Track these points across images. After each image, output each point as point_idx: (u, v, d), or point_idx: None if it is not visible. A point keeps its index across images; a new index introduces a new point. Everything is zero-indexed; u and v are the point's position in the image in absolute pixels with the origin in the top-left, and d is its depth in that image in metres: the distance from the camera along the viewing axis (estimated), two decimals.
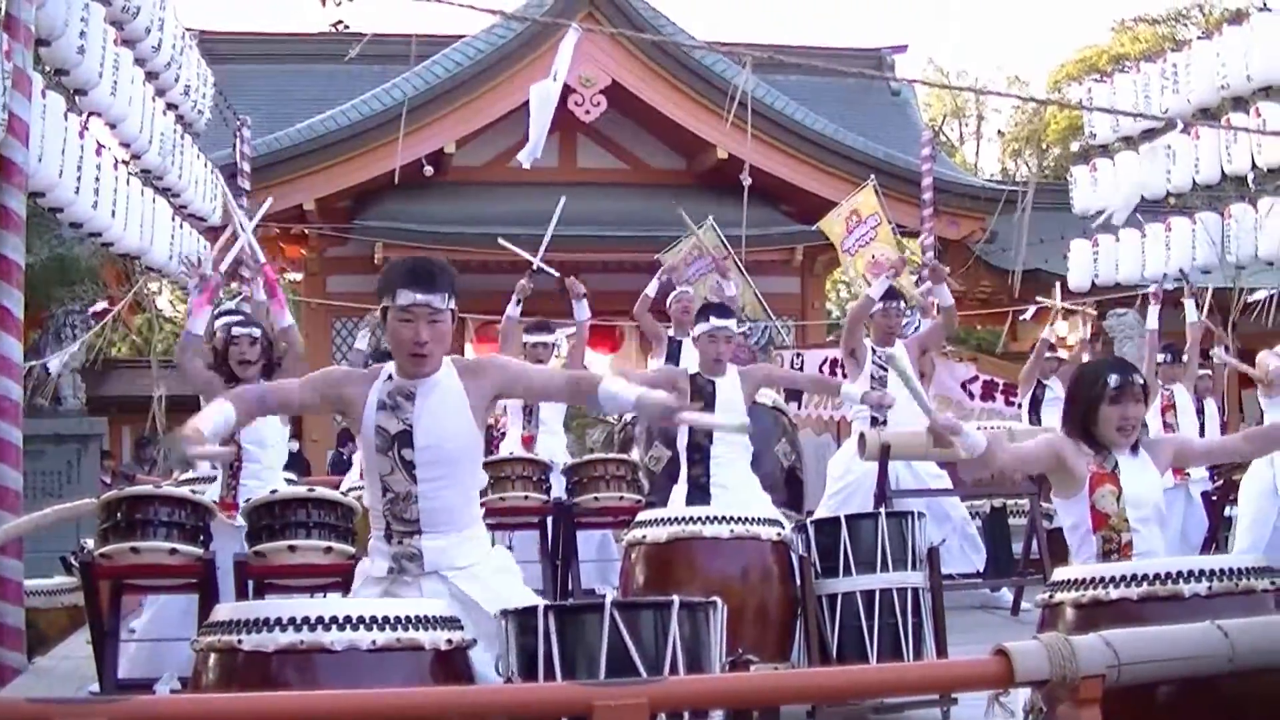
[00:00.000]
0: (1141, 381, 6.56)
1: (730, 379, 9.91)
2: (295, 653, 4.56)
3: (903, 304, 12.28)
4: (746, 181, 16.82)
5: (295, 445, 23.45)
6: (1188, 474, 12.42)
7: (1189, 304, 13.59)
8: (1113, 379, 6.45)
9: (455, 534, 5.77)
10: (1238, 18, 19.95)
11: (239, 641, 4.61)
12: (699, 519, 7.84)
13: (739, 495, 9.52)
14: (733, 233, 19.65)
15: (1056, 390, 16.57)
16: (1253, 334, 19.02)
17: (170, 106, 14.19)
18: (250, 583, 8.84)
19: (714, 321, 9.91)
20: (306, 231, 23.19)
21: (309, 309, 24.11)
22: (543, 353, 12.87)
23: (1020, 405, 16.70)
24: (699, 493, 9.68)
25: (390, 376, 5.81)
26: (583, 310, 12.71)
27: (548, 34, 21.59)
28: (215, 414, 5.63)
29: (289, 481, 10.38)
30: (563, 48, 10.97)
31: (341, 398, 5.84)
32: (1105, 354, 24.23)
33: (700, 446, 9.79)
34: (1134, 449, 6.54)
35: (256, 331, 9.86)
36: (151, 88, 13.37)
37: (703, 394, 9.79)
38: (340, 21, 12.02)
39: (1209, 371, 14.22)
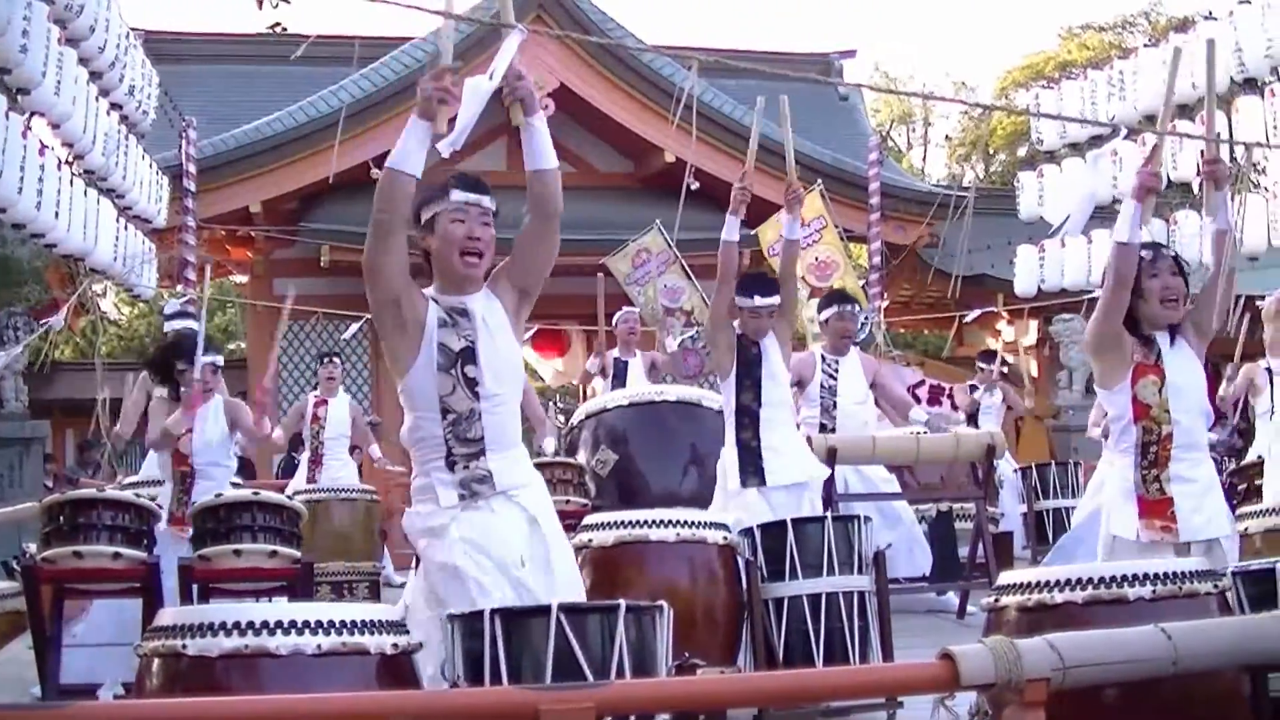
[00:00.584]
0: (1173, 254, 6.71)
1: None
2: (240, 657, 4.52)
3: (855, 307, 12.28)
4: (694, 185, 16.80)
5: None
6: None
7: None
8: (1146, 253, 6.58)
9: (515, 450, 5.85)
10: (1184, 25, 20.10)
11: (183, 646, 4.57)
12: (645, 522, 7.83)
13: (788, 457, 9.66)
14: (680, 236, 19.67)
15: (995, 402, 16.67)
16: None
17: (114, 107, 14.13)
18: (195, 587, 8.81)
19: (758, 300, 9.84)
20: (253, 234, 23.09)
21: (254, 312, 24.02)
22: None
23: (962, 412, 16.82)
24: (749, 455, 9.67)
25: (434, 300, 5.83)
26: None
27: (496, 37, 21.54)
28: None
29: (234, 485, 10.38)
30: (504, 47, 10.89)
31: (403, 311, 5.78)
32: (1052, 358, 24.42)
33: (748, 409, 9.76)
34: (1174, 339, 6.61)
35: (220, 360, 10.02)
36: (95, 88, 13.30)
37: (748, 355, 9.80)
38: (278, 24, 11.96)
39: None
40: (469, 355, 5.73)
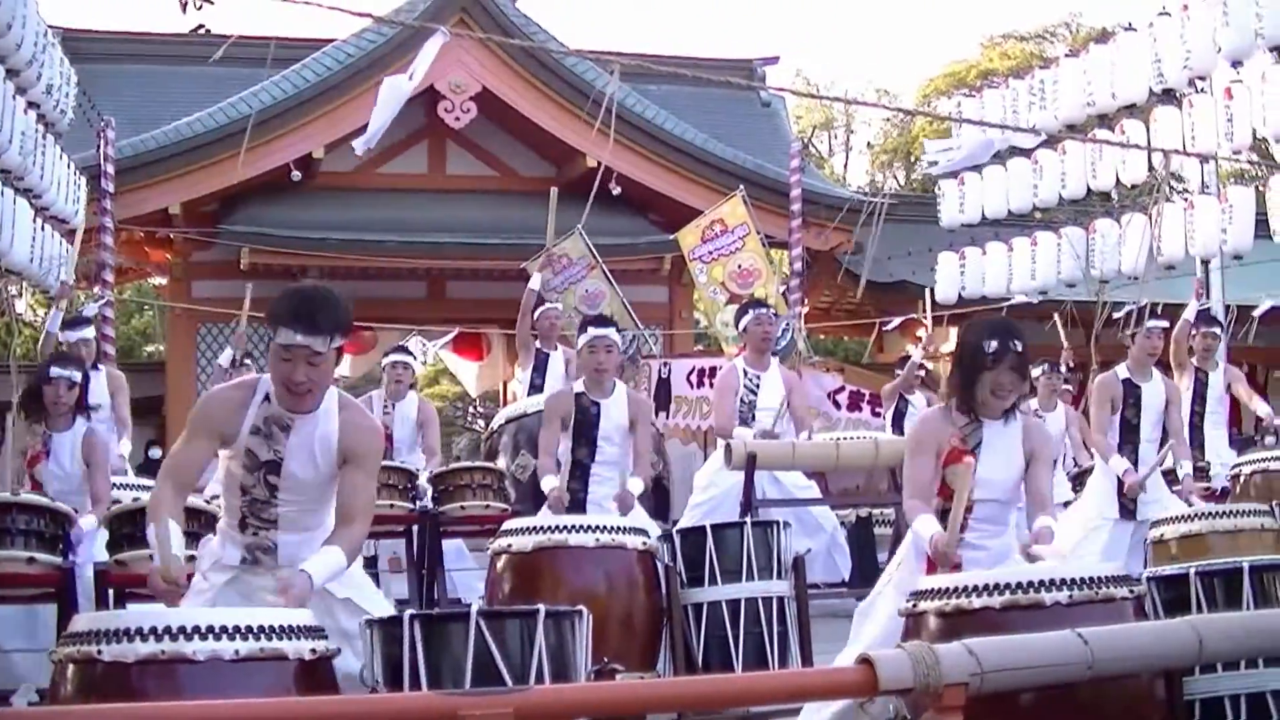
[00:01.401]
0: (1023, 349, 6.65)
1: (618, 396, 9.98)
2: (156, 663, 4.49)
3: (773, 311, 12.29)
4: (615, 191, 16.83)
5: (159, 452, 23.21)
6: None
7: None
8: (992, 344, 6.54)
9: (310, 533, 5.81)
10: (1104, 37, 20.28)
11: (98, 652, 4.53)
12: (565, 528, 7.82)
13: (611, 515, 9.53)
14: (601, 241, 19.66)
15: (919, 405, 16.72)
16: (1116, 347, 19.23)
17: (31, 105, 13.96)
18: (110, 592, 8.74)
19: (593, 331, 9.93)
20: (171, 236, 22.92)
21: (173, 314, 23.84)
22: (402, 373, 12.92)
23: (885, 418, 16.85)
24: (575, 508, 9.71)
25: (267, 397, 5.76)
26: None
27: (418, 40, 21.48)
28: (171, 540, 5.57)
29: (151, 489, 10.26)
30: (425, 48, 10.86)
31: (223, 434, 5.78)
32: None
33: (581, 464, 9.88)
34: (1008, 418, 6.63)
35: (76, 376, 9.85)
36: (12, 85, 13.15)
37: (585, 417, 9.88)
38: (201, 26, 11.90)
39: (1069, 386, 14.37)
40: (273, 468, 5.75)
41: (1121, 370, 11.14)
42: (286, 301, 5.71)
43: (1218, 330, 13.83)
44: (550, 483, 9.74)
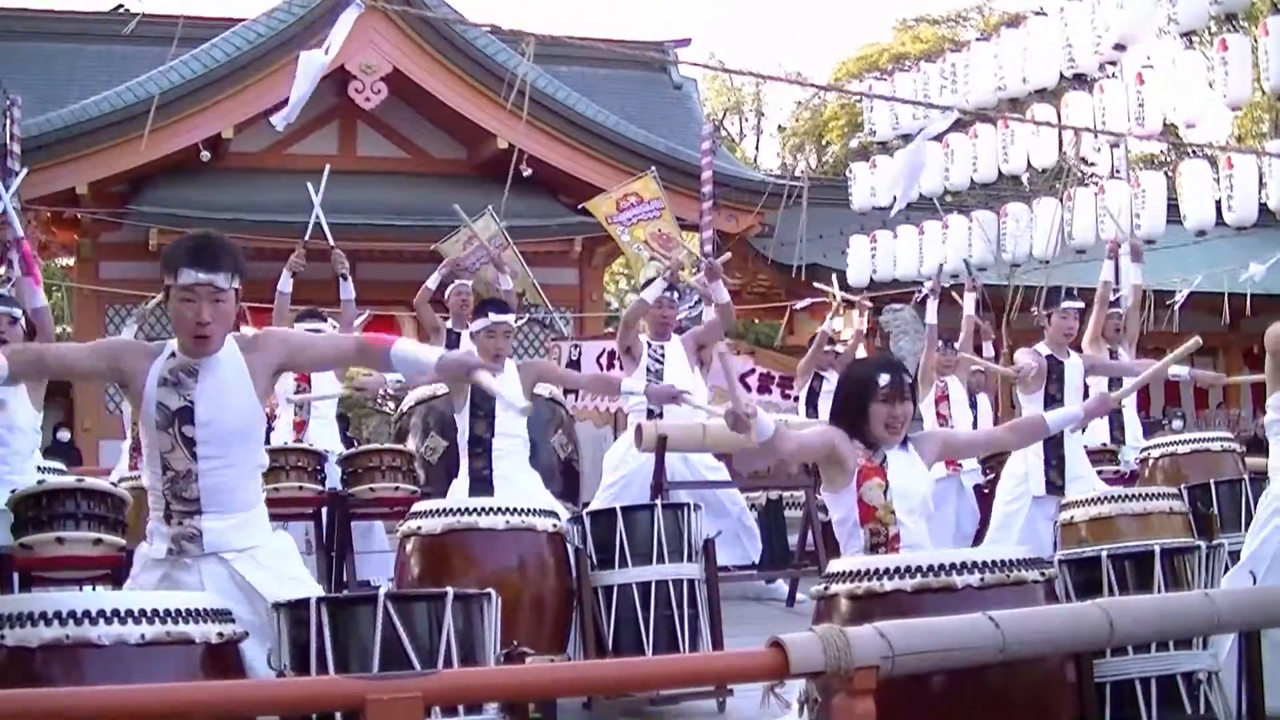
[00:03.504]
0: (910, 380, 6.64)
1: (509, 374, 9.87)
2: (60, 648, 4.43)
3: (675, 294, 12.26)
4: (526, 172, 16.80)
5: (67, 435, 23.03)
6: (959, 465, 12.57)
7: (968, 297, 13.71)
8: (883, 379, 6.47)
9: (236, 514, 5.67)
10: (1015, 21, 20.43)
11: (1, 637, 4.48)
12: (474, 510, 7.79)
13: (520, 488, 9.51)
14: (512, 223, 19.63)
15: (833, 382, 16.74)
16: (1027, 331, 19.37)
17: None
18: (15, 575, 8.65)
19: (493, 317, 9.87)
20: (79, 216, 22.73)
21: (81, 295, 23.67)
22: None
23: (797, 398, 16.86)
24: (480, 485, 9.64)
25: (173, 353, 5.67)
26: (347, 289, 12.49)
27: (328, 20, 21.37)
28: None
29: (58, 471, 10.15)
30: (340, 21, 10.77)
31: (123, 369, 5.67)
32: (882, 348, 24.61)
33: (481, 439, 9.75)
34: (904, 443, 6.62)
35: (17, 311, 9.63)
36: None
37: (481, 391, 9.80)
38: (121, 6, 11.84)
39: (981, 367, 14.40)
40: (186, 415, 5.61)
41: (1042, 347, 11.17)
42: (183, 245, 5.69)
43: (1120, 310, 13.90)
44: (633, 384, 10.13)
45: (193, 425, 5.60)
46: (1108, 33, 17.58)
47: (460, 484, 9.76)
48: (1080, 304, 11.75)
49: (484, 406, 9.73)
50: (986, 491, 12.65)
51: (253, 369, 5.73)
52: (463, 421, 9.80)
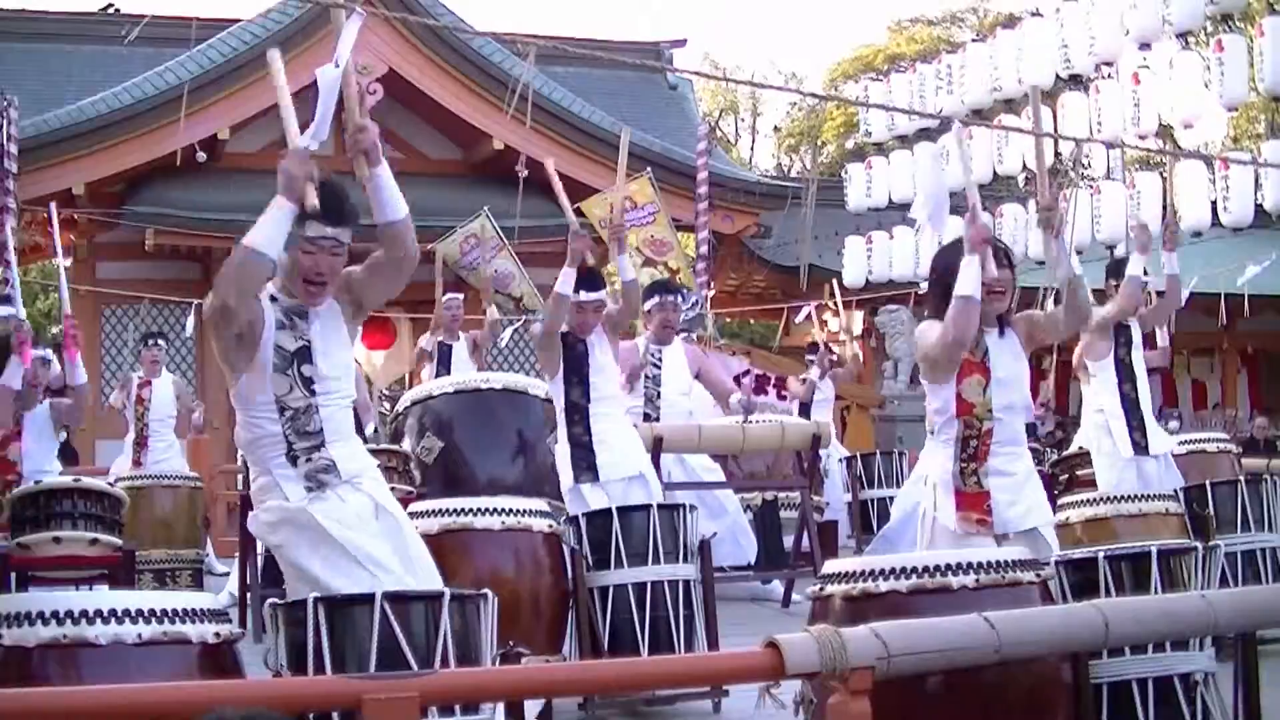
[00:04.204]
0: (1003, 247, 6.69)
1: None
2: (58, 647, 4.43)
3: (678, 297, 12.26)
4: (524, 173, 16.80)
5: (64, 435, 23.00)
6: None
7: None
8: None
9: (353, 441, 5.95)
10: (1011, 22, 20.45)
11: None
12: (470, 510, 7.80)
13: (621, 452, 9.76)
14: (508, 223, 19.64)
15: (826, 392, 16.77)
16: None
17: None
18: (13, 575, 8.66)
19: (583, 294, 9.90)
20: (76, 216, 22.71)
21: (77, 296, 23.63)
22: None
23: (792, 406, 16.94)
24: (581, 450, 9.77)
25: (274, 298, 5.80)
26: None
27: (324, 20, 21.37)
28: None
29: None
30: (345, 33, 10.77)
31: (253, 319, 5.72)
32: (878, 349, 24.67)
33: (578, 406, 9.84)
34: (1002, 330, 6.65)
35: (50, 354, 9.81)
36: None
37: (574, 354, 9.88)
38: (111, 5, 11.82)
39: None
40: (304, 354, 5.78)
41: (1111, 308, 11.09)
42: (316, 194, 5.74)
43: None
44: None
45: (311, 364, 5.78)
46: (1116, 33, 17.59)
47: (562, 451, 9.82)
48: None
49: (579, 373, 9.81)
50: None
51: (343, 309, 5.95)
52: (557, 389, 9.84)
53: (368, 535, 5.69)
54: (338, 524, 5.63)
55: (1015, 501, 6.61)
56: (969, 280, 6.43)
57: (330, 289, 5.85)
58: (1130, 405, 10.70)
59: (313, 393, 5.75)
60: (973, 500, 6.56)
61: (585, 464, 9.76)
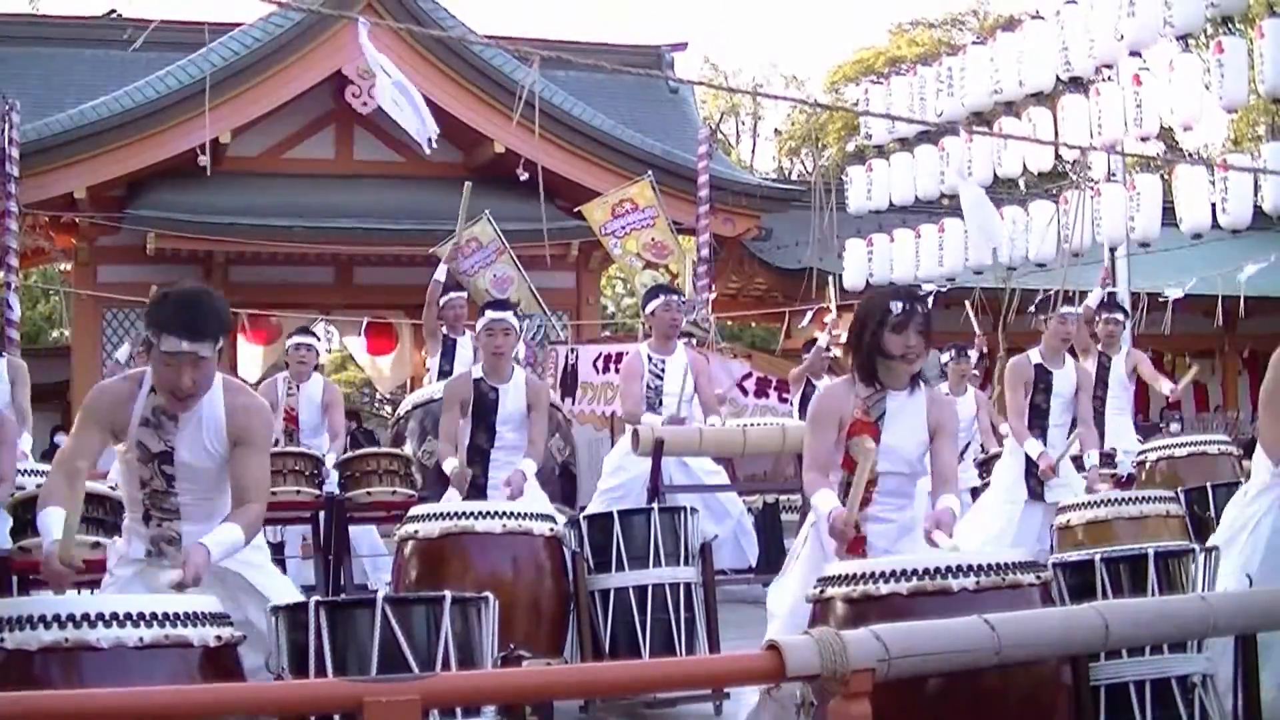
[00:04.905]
0: (925, 312, 6.67)
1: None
2: (59, 651, 4.44)
3: (680, 298, 12.25)
4: (523, 177, 16.79)
5: (61, 438, 23.01)
6: None
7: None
8: (895, 305, 6.54)
9: (213, 521, 5.77)
10: (1011, 24, 20.43)
11: (0, 640, 4.49)
12: (471, 514, 7.81)
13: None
14: (508, 227, 19.63)
15: None
16: (1024, 333, 19.39)
17: None
18: (14, 579, 8.67)
19: (490, 315, 9.93)
20: (77, 220, 22.71)
21: (79, 299, 23.64)
22: (305, 355, 12.80)
23: (792, 403, 16.90)
24: (475, 492, 9.73)
25: (154, 389, 5.75)
26: None
27: (325, 25, 21.39)
28: (60, 525, 5.48)
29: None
30: (363, 44, 10.86)
31: (115, 427, 5.76)
32: None
33: (480, 449, 9.88)
34: (912, 389, 6.65)
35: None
36: None
37: (484, 402, 9.90)
38: (113, 10, 11.84)
39: (975, 371, 14.44)
40: (165, 457, 5.75)
41: (1034, 355, 11.18)
42: (168, 307, 5.67)
43: (1120, 316, 13.88)
44: (451, 464, 9.75)
45: (172, 466, 5.75)
46: (1113, 29, 17.59)
47: (455, 491, 9.83)
48: (1078, 310, 11.77)
49: (485, 419, 9.84)
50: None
51: (231, 420, 5.82)
52: (464, 430, 9.90)
53: None
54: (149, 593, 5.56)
55: (889, 549, 6.58)
56: (820, 512, 6.52)
57: (199, 397, 5.74)
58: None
59: (171, 487, 5.76)
60: (851, 545, 6.55)
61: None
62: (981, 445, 13.95)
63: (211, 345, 5.63)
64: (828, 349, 16.13)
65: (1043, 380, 11.08)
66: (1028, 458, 10.86)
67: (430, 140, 12.17)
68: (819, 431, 6.71)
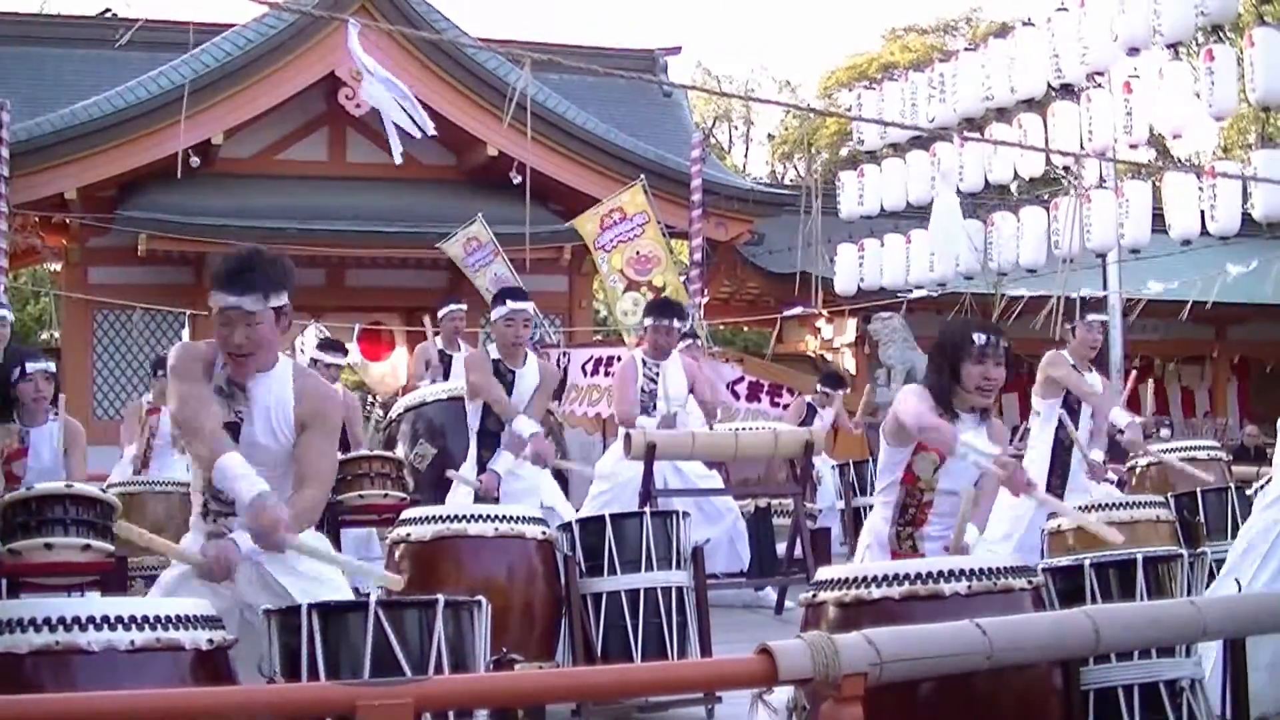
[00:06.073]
0: (1006, 345, 6.69)
1: (530, 367, 10.04)
2: (50, 654, 4.40)
3: (677, 321, 12.14)
4: (516, 180, 16.81)
5: None
6: None
7: None
8: (979, 337, 6.58)
9: None
10: (1003, 31, 20.50)
11: None
12: (464, 517, 7.80)
13: (527, 483, 9.93)
14: (501, 230, 19.65)
15: (826, 418, 16.79)
16: (1013, 339, 19.38)
17: None
18: (4, 581, 8.66)
19: (510, 305, 9.95)
20: (68, 221, 22.67)
21: (69, 301, 23.61)
22: (334, 373, 12.79)
23: (786, 405, 16.97)
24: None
25: (224, 364, 5.72)
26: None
27: (318, 26, 21.37)
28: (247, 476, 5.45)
29: None
30: (352, 46, 10.82)
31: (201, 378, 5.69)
32: (870, 355, 24.69)
33: (491, 433, 9.99)
34: (982, 418, 6.69)
35: (51, 367, 9.77)
36: None
37: (503, 382, 9.93)
38: (106, 9, 11.83)
39: None
40: (233, 430, 5.66)
41: (1068, 355, 11.16)
42: (220, 266, 5.66)
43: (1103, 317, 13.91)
44: (525, 423, 9.85)
45: (237, 441, 5.63)
46: (1104, 36, 17.62)
47: (467, 469, 9.96)
48: (1105, 317, 11.76)
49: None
50: None
51: (298, 404, 5.76)
52: (474, 415, 9.94)
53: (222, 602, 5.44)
54: (208, 589, 5.48)
55: None
56: (973, 448, 6.52)
57: (259, 359, 5.69)
58: (1058, 454, 10.87)
59: None
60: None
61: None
62: None
63: (260, 299, 5.56)
64: (821, 356, 16.16)
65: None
66: (1053, 455, 10.84)
67: (425, 133, 12.12)
68: (923, 404, 6.75)
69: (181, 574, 5.65)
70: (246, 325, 5.57)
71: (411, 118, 11.56)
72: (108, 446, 15.42)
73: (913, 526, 6.70)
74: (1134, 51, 17.53)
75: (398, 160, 12.04)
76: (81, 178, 21.74)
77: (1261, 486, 8.43)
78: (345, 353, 13.13)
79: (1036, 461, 11.01)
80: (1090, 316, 11.21)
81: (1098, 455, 11.21)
